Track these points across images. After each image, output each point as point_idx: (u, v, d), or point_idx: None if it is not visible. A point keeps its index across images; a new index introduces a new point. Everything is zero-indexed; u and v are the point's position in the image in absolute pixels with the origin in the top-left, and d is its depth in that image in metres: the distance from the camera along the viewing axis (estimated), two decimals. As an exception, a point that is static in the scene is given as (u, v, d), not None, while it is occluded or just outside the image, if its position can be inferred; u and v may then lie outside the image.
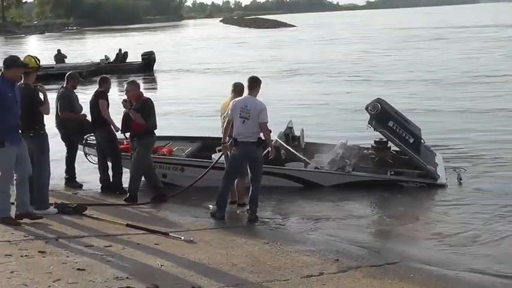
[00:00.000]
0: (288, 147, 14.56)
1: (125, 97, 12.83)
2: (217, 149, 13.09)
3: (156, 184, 13.24)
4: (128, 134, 13.15)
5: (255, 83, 11.71)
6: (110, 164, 13.94)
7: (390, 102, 15.97)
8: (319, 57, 48.91)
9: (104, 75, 14.52)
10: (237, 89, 12.32)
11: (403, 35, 72.97)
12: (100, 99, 13.47)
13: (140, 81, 41.92)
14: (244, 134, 11.45)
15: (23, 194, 10.35)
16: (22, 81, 11.16)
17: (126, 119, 12.81)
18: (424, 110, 23.77)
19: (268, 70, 40.61)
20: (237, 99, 11.68)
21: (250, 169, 11.78)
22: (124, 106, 12.69)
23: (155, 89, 38.61)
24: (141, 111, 12.53)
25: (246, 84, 11.88)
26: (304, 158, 14.49)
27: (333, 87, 32.22)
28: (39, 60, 11.44)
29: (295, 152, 14.53)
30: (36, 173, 10.94)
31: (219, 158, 12.66)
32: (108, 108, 13.59)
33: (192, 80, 40.64)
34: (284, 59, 49.51)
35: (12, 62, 10.26)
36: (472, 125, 20.93)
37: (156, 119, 12.96)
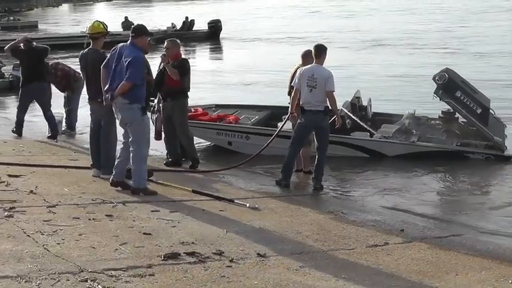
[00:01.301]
0: (352, 116, 14.46)
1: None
2: (283, 117, 13.07)
3: (175, 150, 13.02)
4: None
5: (320, 51, 11.61)
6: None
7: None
8: (399, 28, 47.50)
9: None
10: (306, 56, 12.20)
11: (479, 5, 70.92)
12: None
13: (206, 50, 42.44)
14: (311, 102, 11.39)
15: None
16: (91, 46, 11.26)
17: (161, 75, 12.49)
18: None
19: (349, 41, 40.10)
20: (304, 67, 11.61)
21: (316, 138, 11.73)
22: (162, 60, 12.47)
23: (221, 57, 38.64)
24: (178, 69, 12.35)
25: (312, 52, 11.78)
26: (368, 128, 14.38)
27: (417, 59, 31.34)
28: (107, 26, 11.49)
29: (359, 121, 14.43)
30: (104, 138, 11.07)
31: (283, 125, 12.60)
32: None
33: (262, 49, 40.29)
34: (362, 29, 48.11)
35: (142, 30, 10.41)
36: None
37: (190, 81, 12.79)
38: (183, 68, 12.42)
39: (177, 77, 12.23)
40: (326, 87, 11.33)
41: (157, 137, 12.83)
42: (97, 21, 11.48)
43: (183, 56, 13.16)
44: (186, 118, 12.90)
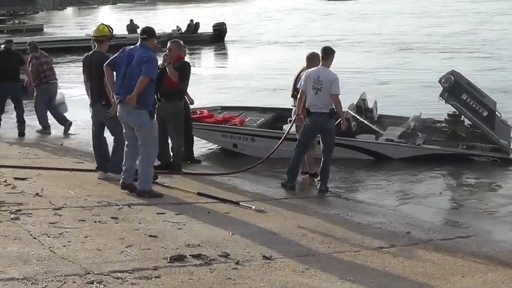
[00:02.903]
0: (359, 117, 14.44)
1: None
2: (289, 119, 13.04)
3: (166, 154, 12.81)
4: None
5: (328, 53, 11.60)
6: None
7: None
8: (408, 30, 47.07)
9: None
10: (311, 59, 12.18)
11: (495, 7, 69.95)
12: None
13: (211, 53, 42.46)
14: (317, 105, 11.38)
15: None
16: (95, 49, 11.28)
17: (160, 75, 11.99)
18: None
19: (356, 44, 40.12)
20: (309, 70, 11.60)
21: (322, 140, 11.72)
22: (164, 60, 12.36)
23: (226, 60, 38.64)
24: (178, 72, 12.27)
25: (319, 54, 11.76)
26: (375, 128, 14.37)
27: (425, 61, 31.08)
28: (112, 29, 11.51)
29: (366, 122, 14.42)
30: (115, 139, 11.18)
31: (290, 128, 12.57)
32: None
33: (267, 52, 40.15)
34: (370, 32, 47.56)
35: (152, 32, 10.50)
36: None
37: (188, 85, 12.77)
38: (184, 71, 12.39)
39: (176, 79, 12.19)
40: (331, 90, 11.32)
41: None
42: (102, 24, 11.50)
43: (186, 59, 13.12)
44: (180, 122, 12.69)
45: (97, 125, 11.38)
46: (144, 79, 9.91)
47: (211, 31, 47.05)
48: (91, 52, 11.37)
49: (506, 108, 17.76)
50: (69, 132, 16.79)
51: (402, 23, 53.51)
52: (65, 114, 17.13)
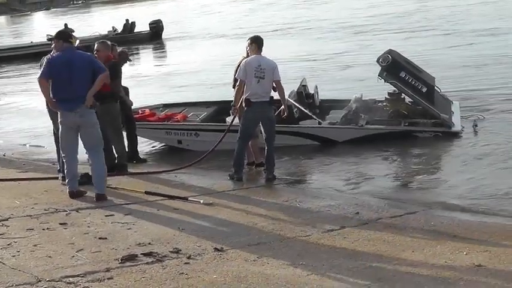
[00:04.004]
0: (297, 105, 14.45)
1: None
2: (231, 112, 13.03)
3: (110, 154, 12.42)
4: None
5: (261, 41, 11.64)
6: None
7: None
8: (364, 13, 46.46)
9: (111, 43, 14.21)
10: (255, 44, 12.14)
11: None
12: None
13: (150, 51, 42.21)
14: (259, 93, 11.37)
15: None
16: None
17: None
18: (453, 62, 23.29)
19: (294, 31, 40.08)
20: (248, 59, 11.55)
21: (264, 129, 11.73)
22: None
23: (165, 58, 38.44)
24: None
25: (253, 43, 11.70)
26: (312, 116, 14.39)
27: (363, 43, 30.88)
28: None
29: (305, 110, 14.42)
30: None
31: (233, 120, 12.55)
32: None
33: (206, 46, 39.71)
34: (333, 17, 46.08)
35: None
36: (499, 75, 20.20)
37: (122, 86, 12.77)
38: (113, 71, 12.25)
39: (108, 80, 12.09)
40: (274, 76, 11.38)
41: None
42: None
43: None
44: (118, 123, 12.65)
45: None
46: (105, 74, 10.05)
47: (148, 29, 46.74)
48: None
49: (480, 84, 18.54)
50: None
51: (348, 7, 53.49)
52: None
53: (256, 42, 11.64)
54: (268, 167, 11.77)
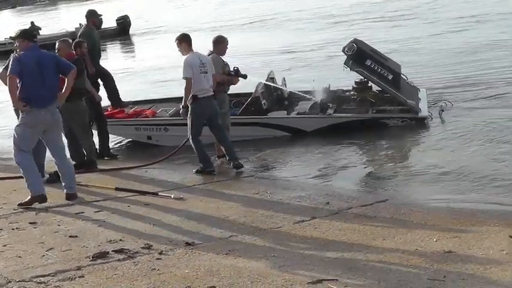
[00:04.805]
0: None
1: None
2: (181, 112, 12.85)
3: (79, 151, 12.55)
4: None
5: (190, 38, 11.79)
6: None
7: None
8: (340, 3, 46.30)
9: (78, 40, 14.15)
10: (217, 43, 12.27)
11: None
12: None
13: (117, 47, 41.95)
14: (206, 88, 11.47)
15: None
16: None
17: None
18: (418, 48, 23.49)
19: (259, 23, 39.97)
20: (188, 57, 11.52)
21: (214, 122, 11.79)
22: None
23: (133, 54, 38.22)
24: None
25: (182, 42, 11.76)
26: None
27: (328, 34, 30.60)
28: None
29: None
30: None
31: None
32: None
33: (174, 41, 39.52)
34: (309, 7, 45.74)
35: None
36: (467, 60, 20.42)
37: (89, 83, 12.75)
38: (78, 68, 12.19)
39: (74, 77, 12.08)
40: (214, 70, 11.60)
41: None
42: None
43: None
44: (85, 120, 12.56)
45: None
46: (74, 71, 10.04)
47: (115, 25, 46.40)
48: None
49: (476, 70, 18.69)
50: None
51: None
52: None
53: (186, 40, 11.71)
54: (231, 156, 11.82)
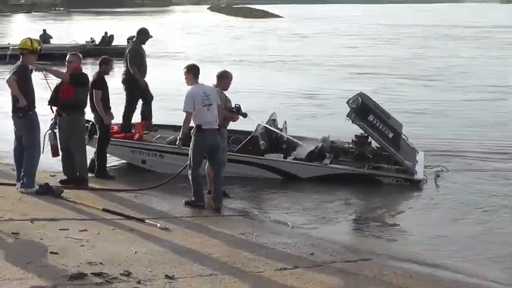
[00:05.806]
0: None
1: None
2: (177, 143, 12.86)
3: (72, 168, 12.69)
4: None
5: (198, 70, 11.80)
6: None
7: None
8: (361, 53, 46.92)
9: (105, 57, 14.12)
10: (221, 78, 12.29)
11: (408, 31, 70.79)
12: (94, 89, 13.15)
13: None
14: (211, 121, 11.46)
15: None
16: (19, 61, 11.34)
17: (56, 89, 12.41)
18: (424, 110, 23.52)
19: (270, 63, 40.22)
20: (191, 89, 11.54)
21: (214, 157, 11.76)
22: (37, 69, 11.99)
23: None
24: (73, 80, 12.18)
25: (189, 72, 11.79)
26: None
27: (337, 84, 30.87)
28: (40, 44, 11.49)
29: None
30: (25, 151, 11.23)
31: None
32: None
33: (181, 66, 39.57)
34: (329, 53, 46.44)
35: None
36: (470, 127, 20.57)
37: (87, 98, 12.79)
38: (78, 79, 12.26)
39: (63, 76, 12.25)
40: (219, 101, 11.65)
41: (55, 153, 12.66)
42: (29, 38, 11.39)
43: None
44: (82, 136, 12.65)
45: (18, 138, 11.46)
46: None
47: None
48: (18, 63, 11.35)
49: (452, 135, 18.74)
50: None
51: (340, 44, 53.64)
52: None
53: (193, 71, 11.72)
54: (215, 195, 11.88)
